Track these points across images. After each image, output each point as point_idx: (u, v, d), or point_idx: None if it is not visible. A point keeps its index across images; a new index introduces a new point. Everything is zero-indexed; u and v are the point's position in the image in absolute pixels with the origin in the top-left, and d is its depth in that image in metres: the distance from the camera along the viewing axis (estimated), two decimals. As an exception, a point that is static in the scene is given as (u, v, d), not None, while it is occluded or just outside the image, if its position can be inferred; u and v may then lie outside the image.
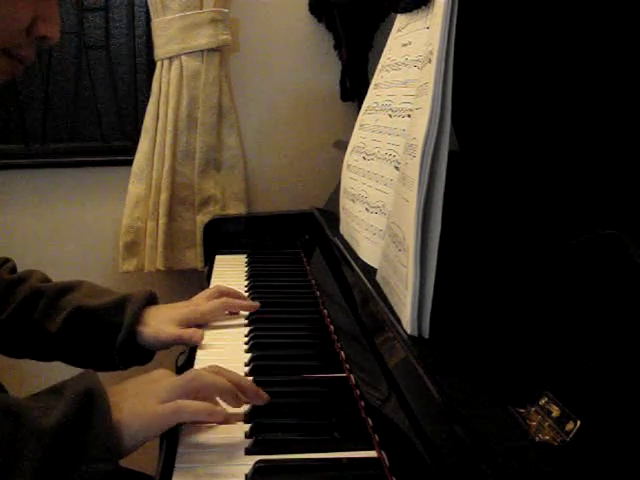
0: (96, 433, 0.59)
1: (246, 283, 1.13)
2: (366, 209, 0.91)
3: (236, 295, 0.99)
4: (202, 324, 0.94)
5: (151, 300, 0.95)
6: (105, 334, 0.91)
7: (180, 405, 0.63)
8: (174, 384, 0.66)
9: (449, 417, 0.50)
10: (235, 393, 0.67)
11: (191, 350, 0.87)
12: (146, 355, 0.93)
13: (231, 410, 0.67)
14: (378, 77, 0.97)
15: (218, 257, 1.31)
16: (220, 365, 0.80)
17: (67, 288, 0.96)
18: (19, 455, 0.56)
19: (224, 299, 0.96)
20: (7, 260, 1.01)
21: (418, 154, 0.62)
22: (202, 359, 0.83)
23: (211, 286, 1.05)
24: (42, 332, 0.93)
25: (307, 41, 1.62)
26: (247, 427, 0.65)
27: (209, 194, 1.56)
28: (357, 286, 0.85)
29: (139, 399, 0.64)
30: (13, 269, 1.01)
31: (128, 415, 0.62)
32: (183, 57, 1.50)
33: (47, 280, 1.00)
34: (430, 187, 0.62)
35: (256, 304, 0.98)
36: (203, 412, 0.64)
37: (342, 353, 0.82)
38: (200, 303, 0.96)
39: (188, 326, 0.91)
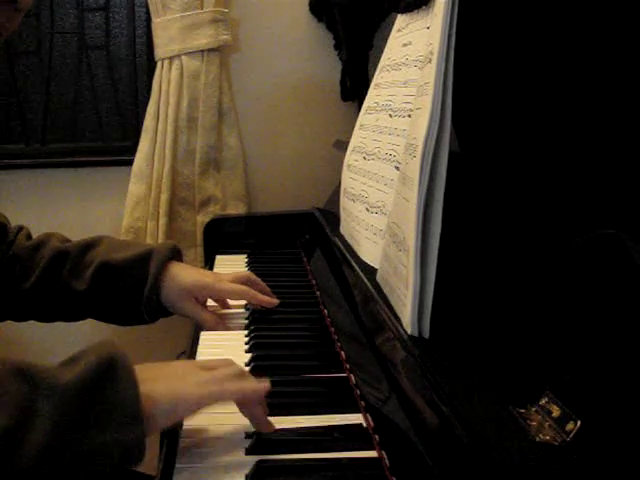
0: (120, 396, 0.55)
1: (246, 283, 1.13)
2: (366, 209, 0.91)
3: (262, 288, 0.98)
4: (215, 299, 0.98)
5: (175, 253, 0.96)
6: (131, 288, 0.93)
7: (224, 387, 0.62)
8: (215, 376, 0.63)
9: (449, 417, 0.50)
10: (263, 399, 0.65)
11: (191, 350, 0.87)
12: None
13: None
14: (378, 77, 0.97)
15: (218, 257, 1.31)
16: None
17: (89, 244, 0.97)
18: (34, 414, 0.52)
19: (247, 288, 0.96)
20: (21, 228, 1.01)
21: (418, 154, 0.62)
22: (202, 359, 0.83)
23: (242, 271, 1.05)
24: (70, 291, 0.94)
25: (307, 41, 1.62)
26: (248, 427, 0.65)
27: (209, 194, 1.56)
28: (357, 286, 0.85)
29: (174, 380, 0.62)
30: (29, 235, 1.01)
31: (161, 390, 0.59)
32: (183, 57, 1.50)
33: (67, 240, 1.00)
34: (430, 187, 0.62)
35: (276, 301, 0.97)
36: (248, 390, 0.63)
37: (342, 353, 0.82)
38: (223, 279, 0.96)
39: (202, 295, 0.94)
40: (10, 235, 0.98)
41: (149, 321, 0.96)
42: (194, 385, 0.61)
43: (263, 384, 0.65)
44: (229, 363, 0.68)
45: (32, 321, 1.02)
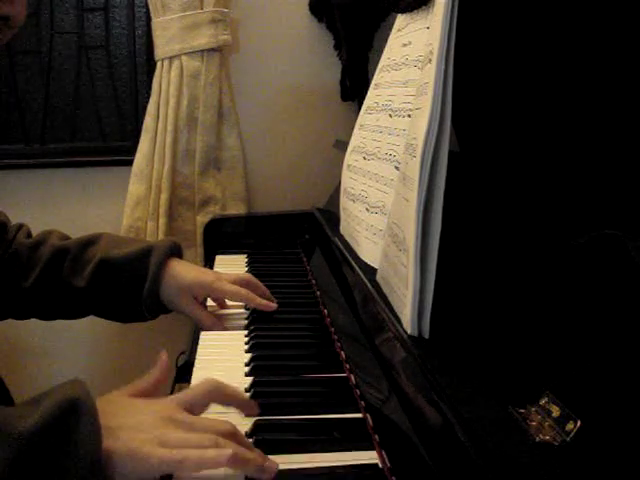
0: (81, 445, 0.51)
1: (246, 283, 1.13)
2: (366, 209, 0.91)
3: (261, 291, 0.98)
4: (214, 298, 0.98)
5: (175, 250, 0.96)
6: (130, 284, 0.93)
7: (185, 456, 0.53)
8: (182, 436, 0.56)
9: (449, 417, 0.50)
10: (236, 437, 0.58)
11: (191, 350, 0.87)
12: None
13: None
14: (378, 77, 0.97)
15: (218, 257, 1.31)
16: (220, 365, 0.80)
17: (89, 241, 0.97)
18: None
19: (246, 291, 0.95)
20: (21, 226, 1.01)
21: (418, 154, 0.62)
22: (202, 359, 0.83)
23: (242, 273, 1.04)
24: (71, 289, 0.94)
25: (307, 41, 1.62)
26: (247, 427, 0.65)
27: (209, 194, 1.56)
28: (357, 286, 0.85)
29: (138, 433, 0.55)
30: (29, 233, 1.01)
31: (123, 448, 0.53)
32: (183, 57, 1.50)
33: (66, 238, 1.00)
34: (430, 187, 0.62)
35: (274, 305, 0.97)
36: (209, 460, 0.54)
37: (342, 353, 0.82)
38: (223, 279, 0.95)
39: (201, 294, 0.94)
40: (10, 233, 0.98)
41: (149, 318, 0.96)
42: (157, 445, 0.54)
43: (244, 454, 0.56)
44: (220, 422, 0.59)
45: (32, 320, 1.02)
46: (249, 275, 1.01)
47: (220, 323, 0.94)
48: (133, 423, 0.56)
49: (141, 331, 1.58)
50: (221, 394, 0.64)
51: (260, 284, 0.98)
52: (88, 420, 0.52)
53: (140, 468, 0.53)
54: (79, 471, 0.50)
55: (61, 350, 1.68)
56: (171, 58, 1.50)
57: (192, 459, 0.54)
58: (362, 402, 0.70)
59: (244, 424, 0.65)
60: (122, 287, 0.93)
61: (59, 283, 0.94)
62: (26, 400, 0.55)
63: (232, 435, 0.58)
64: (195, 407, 0.61)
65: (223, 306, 1.00)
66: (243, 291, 0.95)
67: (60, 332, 1.66)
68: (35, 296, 0.95)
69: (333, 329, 0.90)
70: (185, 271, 0.94)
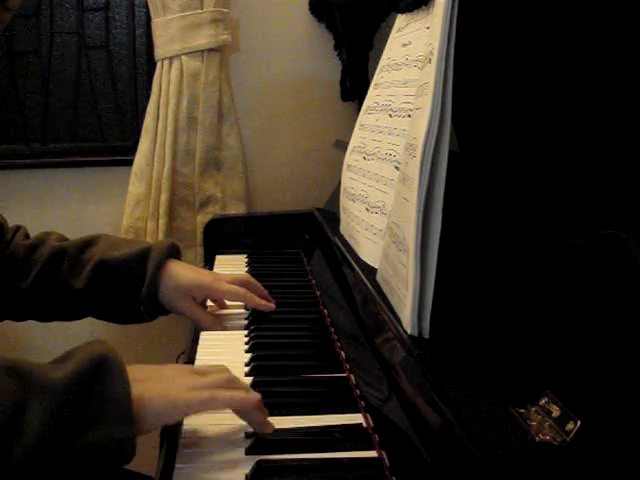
0: (111, 395, 0.55)
1: (246, 283, 1.13)
2: (366, 209, 0.91)
3: (260, 291, 0.98)
4: (213, 299, 0.98)
5: (173, 251, 0.96)
6: (129, 286, 0.93)
7: (214, 394, 0.61)
8: (204, 379, 0.63)
9: (449, 417, 0.50)
10: (260, 405, 0.65)
11: (191, 350, 0.87)
12: None
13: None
14: (378, 77, 0.97)
15: (218, 257, 1.31)
16: (220, 363, 0.80)
17: (87, 243, 0.97)
18: (25, 412, 0.52)
19: (244, 290, 0.95)
20: (19, 227, 1.01)
21: (418, 154, 0.62)
22: (202, 359, 0.83)
23: (240, 273, 1.05)
24: (69, 290, 0.94)
25: (307, 41, 1.62)
26: (247, 427, 0.65)
27: (209, 194, 1.56)
28: (357, 286, 0.85)
29: (165, 383, 0.61)
30: (27, 235, 1.01)
31: (152, 392, 0.59)
32: (183, 57, 1.50)
33: (64, 239, 1.00)
34: (430, 187, 0.62)
35: (272, 305, 0.97)
36: (238, 399, 0.62)
37: (342, 353, 0.82)
38: (221, 280, 0.96)
39: (200, 295, 0.94)
40: (7, 235, 0.98)
41: (147, 319, 0.96)
42: (184, 389, 0.61)
43: (253, 395, 0.64)
44: (222, 370, 0.67)
45: (32, 321, 1.02)
46: (247, 275, 1.01)
47: (219, 323, 0.94)
48: (159, 375, 0.63)
49: (141, 331, 1.58)
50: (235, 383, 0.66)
51: (258, 284, 0.98)
52: (117, 373, 0.57)
53: (171, 409, 0.59)
54: (111, 417, 0.55)
55: (61, 350, 1.67)
56: (171, 58, 1.50)
57: (221, 398, 0.61)
58: (362, 402, 0.70)
59: (244, 423, 0.65)
60: (120, 288, 0.93)
61: (57, 284, 0.94)
62: (54, 358, 0.60)
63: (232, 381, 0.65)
64: None
65: (222, 306, 1.00)
66: (242, 291, 0.95)
67: (60, 332, 1.65)
68: (33, 297, 0.95)
69: (333, 329, 0.90)
70: (183, 272, 0.94)
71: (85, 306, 0.96)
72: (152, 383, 0.61)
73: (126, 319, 0.98)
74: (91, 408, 0.55)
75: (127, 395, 0.56)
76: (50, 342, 1.67)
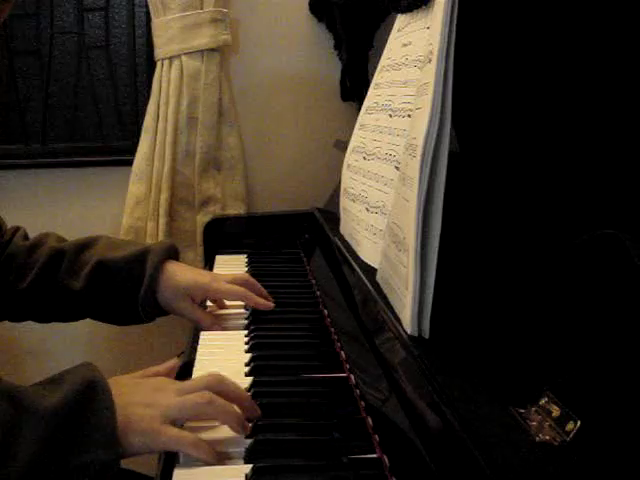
0: (99, 420, 0.58)
1: (246, 283, 1.13)
2: (366, 209, 0.91)
3: (259, 291, 0.98)
4: (212, 299, 0.98)
5: (172, 252, 0.96)
6: (127, 287, 0.93)
7: (183, 438, 0.61)
8: (184, 404, 0.63)
9: (449, 417, 0.50)
10: (241, 421, 0.64)
11: (191, 350, 0.87)
12: None
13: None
14: (378, 77, 0.97)
15: (218, 257, 1.31)
16: (220, 365, 0.80)
17: (86, 244, 0.97)
18: (17, 437, 0.55)
19: (244, 289, 0.95)
20: (18, 228, 1.01)
21: (418, 154, 0.62)
22: (202, 359, 0.83)
23: (239, 273, 1.05)
24: (67, 291, 0.94)
25: (307, 41, 1.62)
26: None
27: (209, 194, 1.56)
28: (357, 286, 0.85)
29: (145, 409, 0.62)
30: (26, 235, 1.01)
31: (133, 421, 0.60)
32: (183, 57, 1.50)
33: (63, 240, 1.00)
34: (430, 187, 0.62)
35: (271, 304, 0.97)
36: (203, 452, 0.60)
37: (342, 353, 0.82)
38: (220, 280, 0.95)
39: (199, 295, 0.94)
40: (6, 236, 0.98)
41: (146, 320, 0.96)
42: (160, 421, 0.61)
43: (230, 414, 0.64)
44: (203, 386, 0.66)
45: (30, 322, 1.02)
46: (246, 274, 1.01)
47: (219, 323, 0.94)
48: (139, 399, 0.63)
49: (141, 331, 1.58)
50: (223, 389, 0.66)
51: (257, 284, 0.98)
52: (104, 398, 0.59)
53: (146, 441, 0.60)
54: (99, 441, 0.57)
55: (61, 350, 1.68)
56: (171, 58, 1.50)
57: (189, 443, 0.61)
58: (362, 402, 0.70)
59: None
60: (119, 290, 0.93)
61: (55, 286, 0.94)
62: (43, 380, 0.61)
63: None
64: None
65: (222, 306, 1.00)
66: (241, 290, 0.95)
67: (59, 332, 1.65)
68: (31, 298, 0.95)
69: (333, 329, 0.90)
70: (182, 273, 0.93)
71: (84, 307, 0.96)
72: (135, 413, 0.61)
73: (125, 320, 0.98)
74: (80, 433, 0.57)
75: (114, 420, 0.58)
76: (50, 342, 1.67)
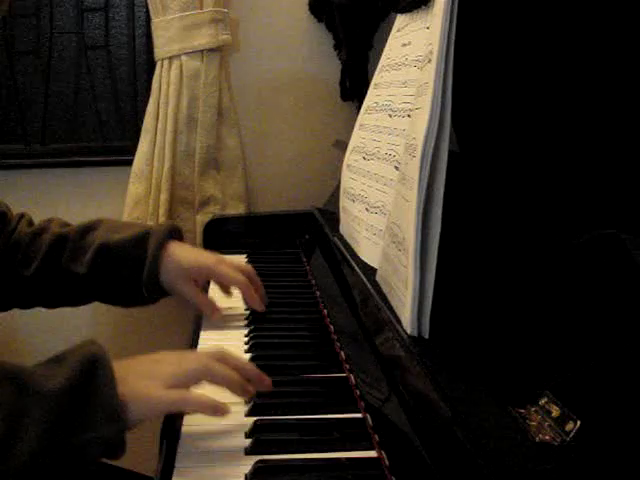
0: (101, 397, 0.58)
1: (246, 283, 1.13)
2: (366, 209, 0.91)
3: (257, 287, 0.98)
4: (216, 281, 0.98)
5: (174, 233, 0.96)
6: (130, 269, 0.93)
7: (185, 396, 0.64)
8: (183, 371, 0.65)
9: (449, 417, 0.50)
10: (242, 384, 0.67)
11: (191, 349, 0.87)
12: None
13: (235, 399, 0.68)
14: (378, 77, 0.97)
15: (218, 257, 1.31)
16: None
17: (89, 227, 0.97)
18: (24, 419, 0.55)
19: (246, 280, 0.95)
20: (22, 215, 1.02)
21: (418, 154, 0.62)
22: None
23: (245, 264, 1.05)
24: (72, 276, 0.94)
25: (307, 41, 1.62)
26: (247, 427, 0.65)
27: (209, 194, 1.56)
28: (357, 286, 0.85)
29: (145, 379, 0.63)
30: (30, 222, 1.02)
31: (133, 391, 0.61)
32: (183, 57, 1.50)
33: (67, 225, 1.00)
34: (430, 187, 0.62)
35: (262, 307, 0.96)
36: (207, 407, 0.63)
37: (342, 353, 0.82)
38: (226, 262, 0.95)
39: (201, 277, 0.95)
40: (12, 223, 0.98)
41: (150, 302, 0.96)
42: (162, 387, 0.63)
43: (234, 378, 0.66)
44: (206, 359, 0.68)
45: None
46: (251, 268, 1.00)
47: (219, 311, 0.94)
48: (139, 371, 0.64)
49: (141, 331, 1.58)
50: (225, 359, 0.68)
51: (259, 281, 0.98)
52: (105, 373, 0.59)
53: (148, 407, 0.61)
54: (102, 417, 0.57)
55: (61, 348, 1.68)
56: (171, 58, 1.50)
57: (192, 401, 0.63)
58: (362, 402, 0.70)
59: (244, 423, 0.65)
60: (122, 271, 0.94)
61: (60, 271, 0.95)
62: (47, 359, 0.62)
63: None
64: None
65: (227, 292, 0.99)
66: (243, 280, 0.94)
67: (60, 332, 1.65)
68: (37, 285, 0.96)
69: (333, 329, 0.90)
70: (184, 254, 0.93)
71: (89, 291, 0.97)
72: (135, 382, 0.62)
73: (130, 302, 0.99)
74: (84, 411, 0.58)
75: (116, 396, 0.59)
76: (50, 342, 1.67)
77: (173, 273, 0.92)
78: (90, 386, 0.59)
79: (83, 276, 0.93)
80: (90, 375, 0.59)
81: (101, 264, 0.93)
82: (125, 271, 0.93)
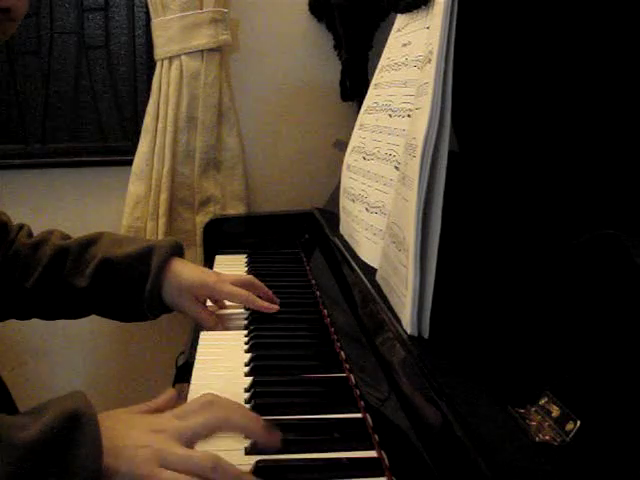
0: (79, 455, 0.52)
1: (246, 283, 1.13)
2: (366, 209, 0.91)
3: (264, 293, 0.98)
4: (214, 300, 0.97)
5: (177, 250, 0.96)
6: (132, 284, 0.93)
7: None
8: (183, 454, 0.57)
9: (449, 417, 0.50)
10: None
11: (191, 350, 0.87)
12: None
13: None
14: (378, 77, 0.97)
15: (218, 257, 1.31)
16: (220, 365, 0.80)
17: (90, 241, 0.97)
18: None
19: (247, 293, 0.95)
20: (22, 226, 1.01)
21: (418, 154, 0.62)
22: (202, 359, 0.83)
23: (244, 275, 1.04)
24: (72, 289, 0.94)
25: (307, 41, 1.62)
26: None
27: (209, 194, 1.56)
28: (357, 286, 0.85)
29: (138, 452, 0.56)
30: (30, 233, 1.01)
31: (124, 467, 0.54)
32: (183, 57, 1.50)
33: (67, 237, 1.00)
34: (430, 187, 0.62)
35: (276, 307, 0.96)
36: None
37: (342, 353, 0.82)
38: (225, 281, 0.95)
39: (203, 295, 0.94)
40: (11, 234, 0.98)
41: (151, 317, 0.96)
42: (156, 464, 0.55)
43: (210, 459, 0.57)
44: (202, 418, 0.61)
45: (33, 320, 1.03)
46: (251, 277, 1.00)
47: (222, 323, 0.94)
48: (133, 438, 0.57)
49: (141, 331, 1.58)
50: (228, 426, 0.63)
51: (262, 286, 0.98)
52: (89, 433, 0.53)
53: None
54: (80, 475, 0.51)
55: (61, 350, 1.68)
56: (171, 58, 1.50)
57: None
58: (362, 402, 0.70)
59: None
60: (124, 286, 0.93)
61: (60, 283, 0.94)
62: (27, 410, 0.56)
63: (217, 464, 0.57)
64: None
65: (222, 307, 1.00)
66: (244, 294, 0.95)
67: (60, 332, 1.66)
68: (37, 296, 0.95)
69: (333, 329, 0.90)
70: (187, 271, 0.93)
71: (89, 304, 0.97)
72: (125, 449, 0.55)
73: (129, 317, 0.98)
74: (58, 472, 0.51)
75: (98, 457, 0.52)
76: (50, 342, 1.67)
77: (175, 290, 0.92)
78: (68, 443, 0.52)
79: (84, 289, 0.93)
80: (69, 431, 0.53)
81: (103, 278, 0.93)
82: (127, 286, 0.93)
